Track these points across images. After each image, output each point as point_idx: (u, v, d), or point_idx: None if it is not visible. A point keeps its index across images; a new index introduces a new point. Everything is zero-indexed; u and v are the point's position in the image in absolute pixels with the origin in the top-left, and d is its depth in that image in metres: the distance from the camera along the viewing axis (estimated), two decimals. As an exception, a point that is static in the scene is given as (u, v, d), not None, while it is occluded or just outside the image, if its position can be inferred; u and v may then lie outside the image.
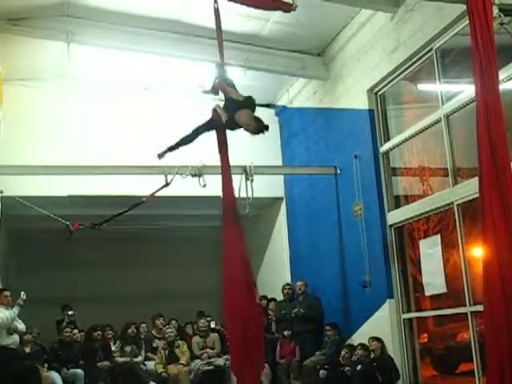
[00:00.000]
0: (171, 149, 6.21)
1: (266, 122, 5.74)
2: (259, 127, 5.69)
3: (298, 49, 9.84)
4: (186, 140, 6.07)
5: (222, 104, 6.00)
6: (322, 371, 8.62)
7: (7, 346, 8.25)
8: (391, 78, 8.43)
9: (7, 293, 8.58)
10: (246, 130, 5.74)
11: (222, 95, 6.17)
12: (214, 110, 5.90)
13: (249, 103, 5.74)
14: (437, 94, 7.55)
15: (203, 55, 8.99)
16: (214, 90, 6.30)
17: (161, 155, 6.34)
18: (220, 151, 6.16)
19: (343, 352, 8.55)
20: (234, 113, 5.71)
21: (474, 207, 6.31)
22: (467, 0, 5.44)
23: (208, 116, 6.01)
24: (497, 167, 4.97)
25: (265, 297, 11.15)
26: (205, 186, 8.02)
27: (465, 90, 6.95)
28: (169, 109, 10.68)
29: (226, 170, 6.16)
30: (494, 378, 4.79)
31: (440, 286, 7.52)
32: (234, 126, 5.80)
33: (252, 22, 8.99)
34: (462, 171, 7.32)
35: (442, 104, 7.43)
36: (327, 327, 9.24)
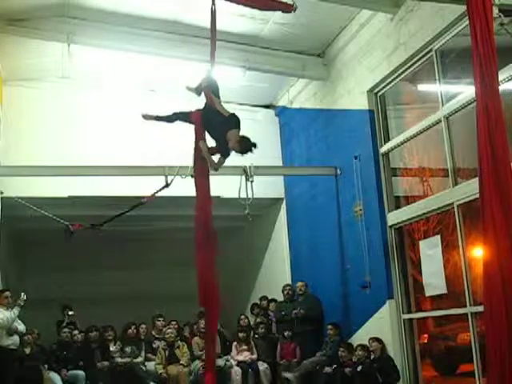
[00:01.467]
0: (157, 118, 6.44)
1: (252, 139, 5.71)
2: (246, 147, 5.67)
3: (298, 49, 9.84)
4: (167, 118, 6.31)
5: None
6: (326, 368, 8.60)
7: (7, 346, 8.25)
8: (391, 78, 8.42)
9: (7, 293, 8.57)
10: (233, 150, 5.74)
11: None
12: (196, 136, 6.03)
13: (236, 122, 5.76)
14: (437, 94, 7.54)
15: (203, 56, 8.94)
16: (198, 92, 6.34)
17: (146, 116, 6.46)
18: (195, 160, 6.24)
19: (340, 350, 8.55)
20: (224, 134, 5.72)
21: (475, 208, 6.30)
22: (467, 1, 5.45)
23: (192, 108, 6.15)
24: (497, 168, 4.97)
25: (265, 297, 11.18)
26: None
27: (465, 91, 6.95)
28: (169, 109, 10.65)
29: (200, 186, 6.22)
30: (495, 379, 4.79)
31: (440, 287, 7.52)
32: (228, 150, 5.84)
33: (252, 23, 8.99)
34: (462, 172, 7.32)
35: (442, 105, 7.43)
36: (329, 326, 9.23)
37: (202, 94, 6.22)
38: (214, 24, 6.25)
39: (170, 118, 6.35)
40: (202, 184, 6.18)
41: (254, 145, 5.67)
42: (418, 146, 8.36)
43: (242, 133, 5.83)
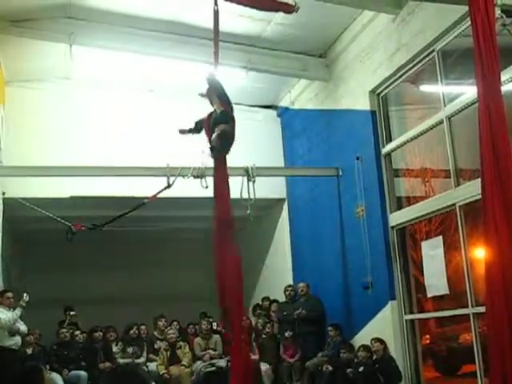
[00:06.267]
0: (189, 131, 6.63)
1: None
2: (221, 142, 5.75)
3: (300, 50, 9.85)
4: (194, 130, 6.40)
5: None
6: (325, 365, 8.59)
7: (9, 347, 8.26)
8: (393, 79, 8.43)
9: (10, 294, 8.58)
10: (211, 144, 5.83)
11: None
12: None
13: (223, 118, 5.83)
14: (439, 95, 7.55)
15: (205, 56, 8.97)
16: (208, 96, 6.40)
17: (182, 131, 6.61)
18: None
19: (342, 352, 8.55)
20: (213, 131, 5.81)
21: (476, 209, 6.29)
22: (469, 1, 5.45)
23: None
24: (499, 168, 4.97)
25: (267, 298, 11.18)
26: (207, 187, 8.03)
27: (467, 92, 6.95)
28: (171, 110, 10.68)
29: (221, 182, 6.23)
30: (497, 379, 4.79)
31: (442, 288, 7.51)
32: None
33: (254, 24, 9.00)
34: (464, 172, 7.32)
35: (444, 105, 7.43)
36: (329, 328, 9.22)
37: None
38: (216, 24, 6.26)
39: (196, 128, 6.45)
40: (222, 187, 6.22)
41: (228, 142, 5.73)
42: (420, 146, 8.35)
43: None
